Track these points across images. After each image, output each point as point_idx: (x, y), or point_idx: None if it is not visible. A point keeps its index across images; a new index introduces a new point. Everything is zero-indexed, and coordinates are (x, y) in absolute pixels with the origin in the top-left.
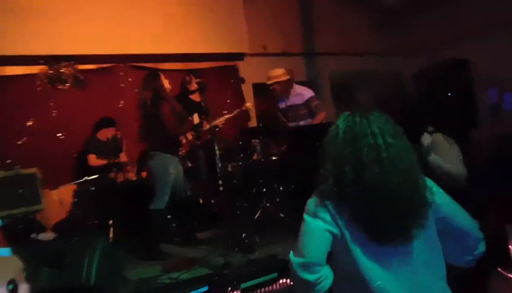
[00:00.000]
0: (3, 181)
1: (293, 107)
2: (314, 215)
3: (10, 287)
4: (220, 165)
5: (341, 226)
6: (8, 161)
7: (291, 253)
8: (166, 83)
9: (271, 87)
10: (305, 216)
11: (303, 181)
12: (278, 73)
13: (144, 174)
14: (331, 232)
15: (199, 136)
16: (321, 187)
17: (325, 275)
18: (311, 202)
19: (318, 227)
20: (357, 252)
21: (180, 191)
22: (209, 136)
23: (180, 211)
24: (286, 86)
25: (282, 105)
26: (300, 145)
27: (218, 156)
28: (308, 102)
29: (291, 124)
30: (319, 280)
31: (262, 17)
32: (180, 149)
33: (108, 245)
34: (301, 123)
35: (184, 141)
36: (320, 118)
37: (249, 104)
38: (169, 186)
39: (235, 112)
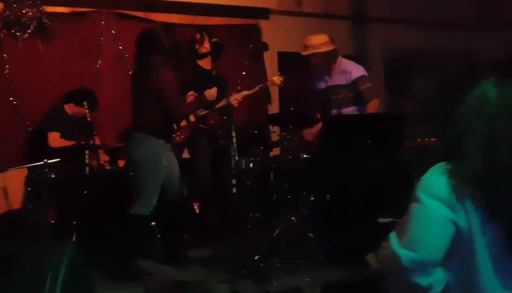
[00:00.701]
0: None
1: (335, 89)
2: (438, 198)
3: None
4: (237, 158)
5: (472, 220)
6: None
7: (394, 241)
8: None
9: (310, 59)
10: (422, 195)
11: (343, 191)
12: (319, 41)
13: (120, 163)
14: (457, 225)
15: (204, 118)
16: (450, 164)
17: (439, 279)
18: (435, 179)
19: (441, 213)
20: (484, 259)
21: (172, 192)
22: (218, 118)
23: (168, 218)
24: (329, 59)
25: (320, 84)
26: (342, 141)
27: (235, 145)
28: (356, 83)
29: (333, 112)
30: (431, 286)
31: None
32: (177, 134)
33: (76, 255)
34: (345, 111)
35: (183, 123)
36: (373, 106)
37: (277, 78)
38: (159, 184)
39: (256, 88)
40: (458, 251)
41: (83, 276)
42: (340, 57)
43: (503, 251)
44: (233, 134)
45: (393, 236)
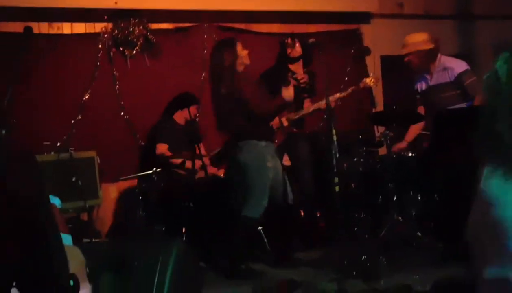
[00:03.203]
0: (53, 166)
1: (438, 88)
2: None
3: (71, 283)
4: (338, 156)
5: None
6: (59, 143)
7: None
8: (243, 55)
9: (405, 59)
10: None
11: (453, 189)
12: (418, 39)
13: (220, 172)
14: None
15: (298, 121)
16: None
17: None
18: None
19: None
20: None
21: (279, 195)
22: (324, 118)
23: (275, 222)
24: (428, 58)
25: (422, 85)
26: (452, 137)
27: (335, 143)
28: (460, 78)
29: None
30: None
31: None
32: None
33: (185, 251)
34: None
35: (277, 129)
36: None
37: (370, 79)
38: (268, 186)
39: (349, 90)
40: None
41: (191, 272)
42: (440, 55)
43: None
44: (333, 131)
45: None
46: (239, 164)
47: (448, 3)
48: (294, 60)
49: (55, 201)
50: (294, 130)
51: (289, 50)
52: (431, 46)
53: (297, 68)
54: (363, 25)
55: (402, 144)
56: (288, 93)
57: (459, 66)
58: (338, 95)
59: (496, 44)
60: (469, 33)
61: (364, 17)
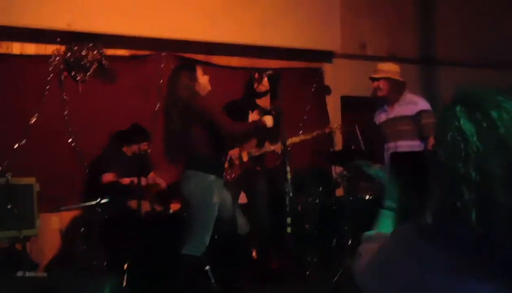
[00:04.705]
0: None
1: (397, 120)
2: None
3: None
4: (291, 194)
5: None
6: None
7: None
8: (203, 81)
9: (374, 84)
10: None
11: None
12: (391, 68)
13: (174, 206)
14: None
15: (260, 158)
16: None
17: None
18: None
19: None
20: None
21: (226, 232)
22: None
23: (223, 261)
24: (396, 88)
25: (381, 117)
26: (408, 180)
27: (289, 181)
28: (420, 115)
29: (390, 145)
30: None
31: (363, 5)
32: (228, 172)
33: (119, 290)
34: (403, 144)
35: (236, 161)
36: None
37: (336, 126)
38: (211, 222)
39: (314, 134)
40: None
41: None
42: (407, 90)
43: None
44: (288, 169)
45: None
46: (183, 196)
47: (411, 47)
48: (261, 94)
49: None
50: (253, 167)
51: (255, 85)
52: (402, 79)
53: (264, 103)
54: (325, 63)
55: None
56: (268, 119)
57: (424, 104)
58: (302, 136)
59: (462, 88)
60: (430, 78)
61: (326, 55)
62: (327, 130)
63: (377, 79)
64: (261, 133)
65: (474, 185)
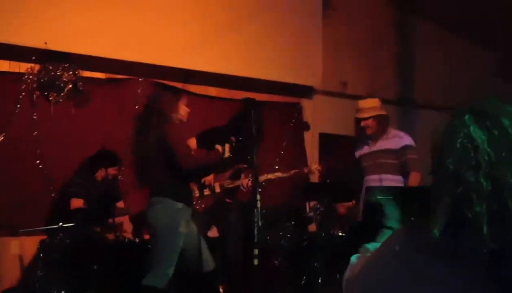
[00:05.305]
0: None
1: (380, 153)
2: None
3: None
4: (260, 224)
5: None
6: None
7: None
8: (183, 113)
9: (362, 123)
10: None
11: None
12: (374, 104)
13: (147, 235)
14: None
15: (231, 191)
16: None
17: None
18: None
19: None
20: None
21: (192, 265)
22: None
23: None
24: (384, 123)
25: (362, 151)
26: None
27: (258, 210)
28: (405, 149)
29: (370, 177)
30: None
31: (345, 44)
32: (198, 202)
33: None
34: (388, 177)
35: (207, 192)
36: (415, 178)
37: (315, 167)
38: (176, 253)
39: (291, 172)
40: None
41: None
42: (390, 126)
43: None
44: (258, 197)
45: None
46: (148, 223)
47: (391, 88)
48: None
49: None
50: (225, 198)
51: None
52: (385, 113)
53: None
54: (304, 99)
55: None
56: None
57: (407, 139)
58: (279, 174)
59: (436, 130)
60: (408, 120)
61: (306, 91)
62: (305, 171)
63: (366, 119)
64: (228, 164)
65: (485, 194)
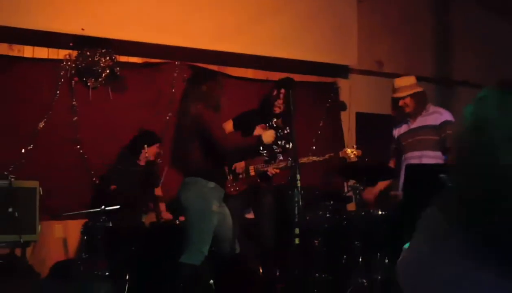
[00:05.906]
0: None
1: (420, 130)
2: None
3: None
4: (301, 205)
5: None
6: (6, 172)
7: None
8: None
9: (400, 102)
10: None
11: None
12: (411, 82)
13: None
14: None
15: (268, 176)
16: None
17: None
18: None
19: None
20: None
21: (226, 244)
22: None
23: (228, 278)
24: (422, 100)
25: (401, 129)
26: (425, 195)
27: (299, 190)
28: (445, 125)
29: (410, 154)
30: None
31: (381, 24)
32: (233, 185)
33: None
34: (428, 154)
35: (241, 176)
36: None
37: (351, 151)
38: (210, 231)
39: (326, 156)
40: None
41: None
42: (429, 102)
43: None
44: (298, 177)
45: None
46: (181, 203)
47: (429, 66)
48: (278, 115)
49: None
50: (260, 182)
51: (273, 102)
52: (422, 89)
53: (279, 121)
54: (341, 79)
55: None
56: (266, 135)
57: (448, 115)
58: (314, 158)
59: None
60: (446, 98)
61: (342, 71)
62: (341, 155)
63: (403, 98)
64: (266, 149)
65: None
